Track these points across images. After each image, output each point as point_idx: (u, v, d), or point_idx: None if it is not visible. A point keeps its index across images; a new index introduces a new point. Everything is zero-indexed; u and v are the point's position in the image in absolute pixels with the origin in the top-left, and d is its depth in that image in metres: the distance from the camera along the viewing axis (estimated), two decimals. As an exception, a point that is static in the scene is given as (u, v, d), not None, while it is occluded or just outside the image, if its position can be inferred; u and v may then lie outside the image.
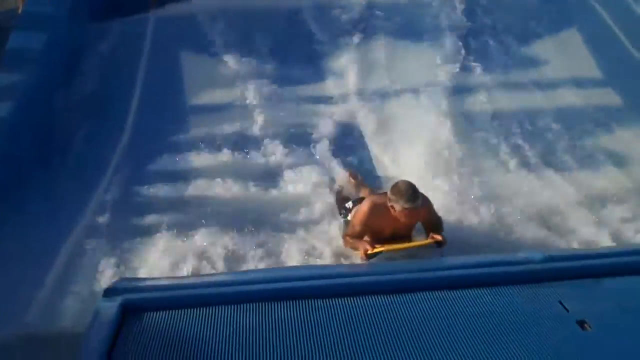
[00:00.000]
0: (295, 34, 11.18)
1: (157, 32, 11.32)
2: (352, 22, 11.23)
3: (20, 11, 11.17)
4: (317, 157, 8.44)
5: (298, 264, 6.51)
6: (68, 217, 7.23)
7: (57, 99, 9.45)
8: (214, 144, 8.67)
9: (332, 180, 7.93)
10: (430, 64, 10.30)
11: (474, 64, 10.43)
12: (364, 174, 8.09)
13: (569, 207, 7.43)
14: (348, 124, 9.23)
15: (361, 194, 7.29)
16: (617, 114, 9.41)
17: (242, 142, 8.75)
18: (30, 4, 10.65)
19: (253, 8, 11.60)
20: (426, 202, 6.29)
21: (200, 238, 6.90)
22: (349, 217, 6.73)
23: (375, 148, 8.69)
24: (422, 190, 6.19)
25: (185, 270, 6.40)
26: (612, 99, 9.75)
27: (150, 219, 7.25)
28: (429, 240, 6.15)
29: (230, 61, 10.43)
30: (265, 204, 7.56)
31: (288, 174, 8.09)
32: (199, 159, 8.39)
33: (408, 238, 6.36)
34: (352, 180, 7.72)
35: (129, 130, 9.08)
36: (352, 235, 6.39)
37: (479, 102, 9.66)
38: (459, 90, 9.84)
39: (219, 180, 7.90)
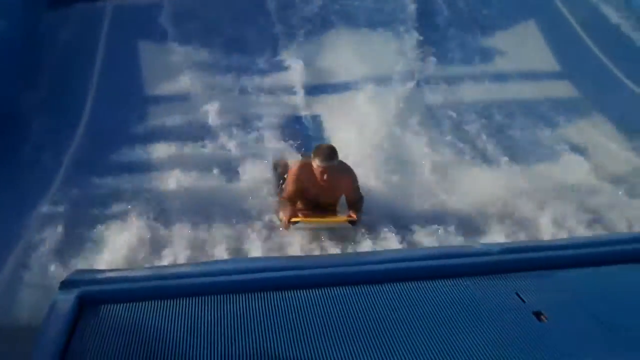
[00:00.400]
0: (253, 24, 11.18)
1: (114, 20, 11.23)
2: (311, 14, 11.24)
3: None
4: (269, 146, 8.47)
5: (258, 255, 6.51)
6: (26, 207, 7.15)
7: (13, 89, 9.32)
8: (170, 134, 8.65)
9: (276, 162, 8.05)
10: (388, 55, 10.33)
11: (431, 56, 10.50)
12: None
13: (525, 197, 7.50)
14: (296, 114, 9.30)
15: None
16: (574, 104, 9.54)
17: (197, 132, 8.74)
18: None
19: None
20: (349, 173, 6.86)
21: (159, 229, 6.88)
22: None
23: (323, 133, 8.77)
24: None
25: (144, 261, 6.37)
26: (569, 90, 9.87)
27: (108, 210, 7.18)
28: (343, 218, 6.72)
29: (187, 50, 10.38)
30: (221, 193, 7.55)
31: (243, 163, 8.08)
32: (156, 150, 8.35)
33: (333, 211, 6.97)
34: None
35: (85, 120, 9.01)
36: (286, 196, 6.96)
37: (436, 93, 9.73)
38: (416, 82, 9.90)
39: (176, 170, 7.87)
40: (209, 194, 7.50)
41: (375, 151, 8.09)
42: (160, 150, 8.33)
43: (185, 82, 9.78)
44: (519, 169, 8.12)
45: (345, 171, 6.82)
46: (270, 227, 6.99)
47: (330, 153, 6.60)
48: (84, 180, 7.70)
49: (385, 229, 6.88)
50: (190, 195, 7.45)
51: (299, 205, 7.00)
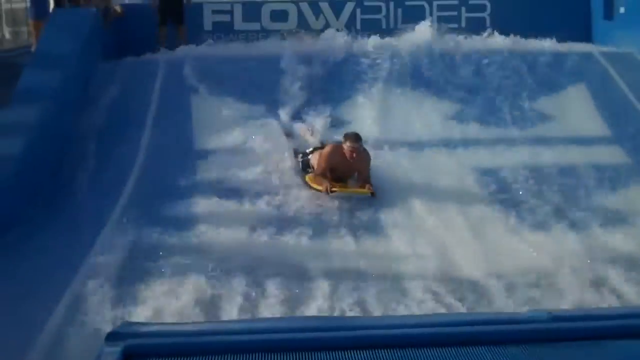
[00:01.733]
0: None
1: (166, 74, 11.48)
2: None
3: (33, 49, 11.32)
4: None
5: (310, 314, 6.42)
6: (74, 257, 7.20)
7: (67, 137, 9.52)
8: (219, 189, 8.72)
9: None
10: (437, 118, 10.43)
11: (478, 119, 10.53)
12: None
13: (573, 265, 7.31)
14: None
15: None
16: (623, 171, 9.42)
17: (245, 188, 8.82)
18: (42, 43, 10.80)
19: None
20: (368, 154, 8.92)
21: (207, 284, 6.76)
22: (309, 157, 9.19)
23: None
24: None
25: (192, 317, 6.28)
26: (619, 156, 9.76)
27: (156, 263, 7.17)
28: (367, 191, 8.61)
29: (237, 105, 10.55)
30: (274, 251, 7.52)
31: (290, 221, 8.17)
32: (206, 204, 8.41)
33: (345, 183, 8.89)
34: (308, 134, 10.00)
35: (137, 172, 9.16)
36: (319, 172, 8.82)
37: (483, 156, 9.71)
38: (463, 144, 9.92)
39: (224, 225, 7.89)
40: (259, 249, 7.50)
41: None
42: (210, 204, 8.39)
43: (236, 136, 9.91)
44: (566, 235, 7.98)
45: (367, 155, 8.90)
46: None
47: (358, 136, 8.79)
48: (135, 232, 7.76)
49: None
50: (241, 250, 7.44)
51: (328, 177, 8.76)
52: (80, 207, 8.45)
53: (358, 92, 11.26)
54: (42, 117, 9.23)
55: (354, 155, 8.69)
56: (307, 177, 9.05)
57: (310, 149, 9.45)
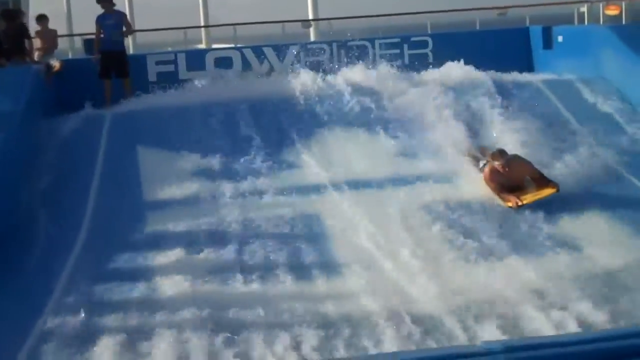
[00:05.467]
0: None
1: (113, 126, 11.42)
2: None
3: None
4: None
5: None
6: (24, 319, 7.04)
7: (12, 198, 9.36)
8: (173, 240, 8.63)
9: None
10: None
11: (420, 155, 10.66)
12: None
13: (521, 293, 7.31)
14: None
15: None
16: (571, 200, 9.47)
17: (201, 238, 8.73)
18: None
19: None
20: (521, 159, 9.61)
21: (160, 341, 6.60)
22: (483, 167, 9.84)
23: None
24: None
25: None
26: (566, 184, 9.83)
27: (106, 322, 6.99)
28: (551, 190, 9.23)
29: (183, 157, 10.53)
30: (227, 303, 7.34)
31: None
32: (160, 256, 8.30)
33: (522, 187, 9.47)
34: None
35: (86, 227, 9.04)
36: (497, 190, 9.45)
37: (429, 190, 9.79)
38: (409, 180, 9.99)
39: (181, 276, 7.77)
40: (218, 301, 7.36)
41: None
42: (165, 257, 8.27)
43: (189, 187, 9.86)
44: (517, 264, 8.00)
45: (518, 158, 9.62)
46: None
47: (501, 151, 9.58)
48: (85, 289, 7.62)
49: None
50: (199, 302, 7.27)
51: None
52: (30, 269, 8.27)
53: (302, 134, 11.26)
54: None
55: (507, 169, 9.40)
56: (498, 196, 9.51)
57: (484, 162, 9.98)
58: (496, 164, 9.49)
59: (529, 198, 9.27)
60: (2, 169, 9.39)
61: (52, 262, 8.28)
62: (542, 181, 9.46)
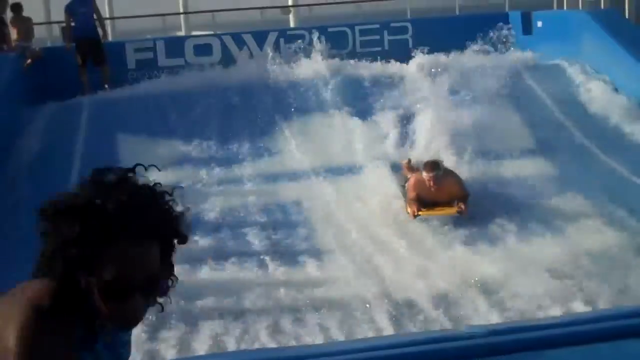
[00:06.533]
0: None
1: (92, 115, 11.33)
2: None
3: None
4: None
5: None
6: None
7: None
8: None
9: None
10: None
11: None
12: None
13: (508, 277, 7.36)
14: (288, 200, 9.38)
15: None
16: (549, 183, 9.53)
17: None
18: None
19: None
20: (453, 176, 8.95)
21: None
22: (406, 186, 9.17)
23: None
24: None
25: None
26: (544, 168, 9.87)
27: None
28: (453, 210, 8.72)
29: (163, 144, 10.48)
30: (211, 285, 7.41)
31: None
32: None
33: (449, 204, 8.80)
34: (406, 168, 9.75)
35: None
36: (410, 198, 8.83)
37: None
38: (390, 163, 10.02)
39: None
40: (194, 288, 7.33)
41: None
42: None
43: (169, 175, 9.80)
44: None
45: (450, 175, 8.92)
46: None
47: (433, 165, 8.80)
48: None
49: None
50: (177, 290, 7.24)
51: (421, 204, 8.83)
52: (7, 263, 8.16)
53: (282, 121, 11.23)
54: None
55: (432, 183, 8.71)
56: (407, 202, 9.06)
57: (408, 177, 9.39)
58: (425, 175, 8.80)
59: (427, 212, 8.82)
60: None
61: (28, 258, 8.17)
62: (462, 200, 8.82)
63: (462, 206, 8.69)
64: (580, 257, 7.71)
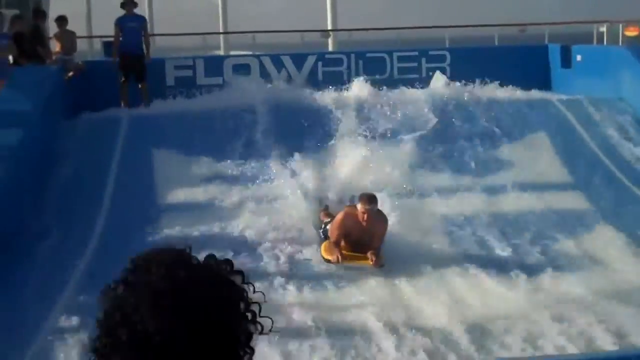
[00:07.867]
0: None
1: (130, 129, 11.47)
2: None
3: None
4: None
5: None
6: (34, 320, 7.06)
7: (29, 195, 9.41)
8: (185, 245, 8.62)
9: None
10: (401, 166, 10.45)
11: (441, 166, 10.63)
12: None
13: (535, 312, 7.26)
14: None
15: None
16: (584, 218, 9.50)
17: (217, 244, 8.72)
18: (3, 102, 10.71)
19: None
20: (385, 220, 8.44)
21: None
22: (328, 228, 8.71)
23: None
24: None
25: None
26: (580, 203, 9.86)
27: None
28: (369, 262, 8.16)
29: (202, 161, 10.56)
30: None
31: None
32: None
33: (370, 250, 8.25)
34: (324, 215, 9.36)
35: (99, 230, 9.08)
36: (333, 239, 8.39)
37: (446, 204, 9.77)
38: (423, 192, 9.96)
39: None
40: None
41: None
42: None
43: (204, 192, 9.90)
44: (527, 281, 7.99)
45: (382, 217, 8.44)
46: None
47: (371, 198, 8.27)
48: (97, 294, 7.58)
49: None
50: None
51: (343, 244, 8.40)
52: (44, 265, 8.29)
53: (323, 143, 11.26)
54: (1, 178, 9.08)
55: (366, 217, 8.19)
56: (322, 246, 8.64)
57: (329, 220, 8.97)
58: (360, 207, 8.24)
59: (349, 259, 8.37)
60: (20, 168, 9.46)
61: (64, 261, 8.30)
62: (373, 249, 8.34)
63: (374, 258, 8.21)
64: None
